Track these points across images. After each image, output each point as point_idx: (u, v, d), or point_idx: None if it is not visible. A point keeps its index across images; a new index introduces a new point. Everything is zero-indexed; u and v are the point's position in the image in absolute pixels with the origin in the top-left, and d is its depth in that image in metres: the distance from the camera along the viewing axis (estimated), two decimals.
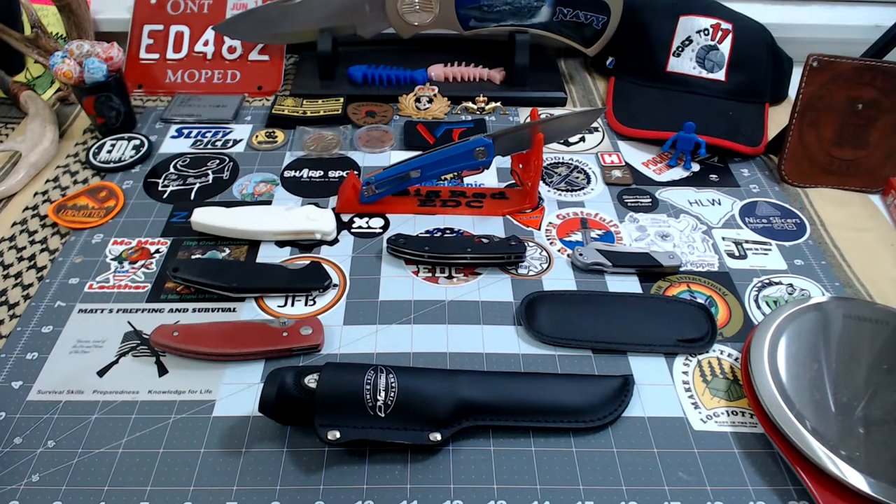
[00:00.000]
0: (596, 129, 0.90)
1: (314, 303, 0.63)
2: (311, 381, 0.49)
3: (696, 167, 0.83)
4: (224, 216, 0.70)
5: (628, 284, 0.66)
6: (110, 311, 0.62)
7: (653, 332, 0.60)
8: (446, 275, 0.66)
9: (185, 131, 0.88)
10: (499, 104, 0.94)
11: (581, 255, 0.67)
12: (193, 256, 0.68)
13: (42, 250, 0.69)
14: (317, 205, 0.73)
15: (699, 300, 0.64)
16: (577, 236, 0.72)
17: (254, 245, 0.69)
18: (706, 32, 0.89)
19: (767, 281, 0.67)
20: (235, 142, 0.86)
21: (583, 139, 0.88)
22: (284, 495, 0.48)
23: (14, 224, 0.73)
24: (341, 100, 0.92)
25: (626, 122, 0.89)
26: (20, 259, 0.68)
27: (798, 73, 0.80)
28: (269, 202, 0.76)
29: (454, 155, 0.70)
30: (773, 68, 0.93)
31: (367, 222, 0.73)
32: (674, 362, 0.58)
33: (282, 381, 0.49)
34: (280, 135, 0.87)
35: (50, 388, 0.55)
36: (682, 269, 0.67)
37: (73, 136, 0.88)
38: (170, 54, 0.98)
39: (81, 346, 0.59)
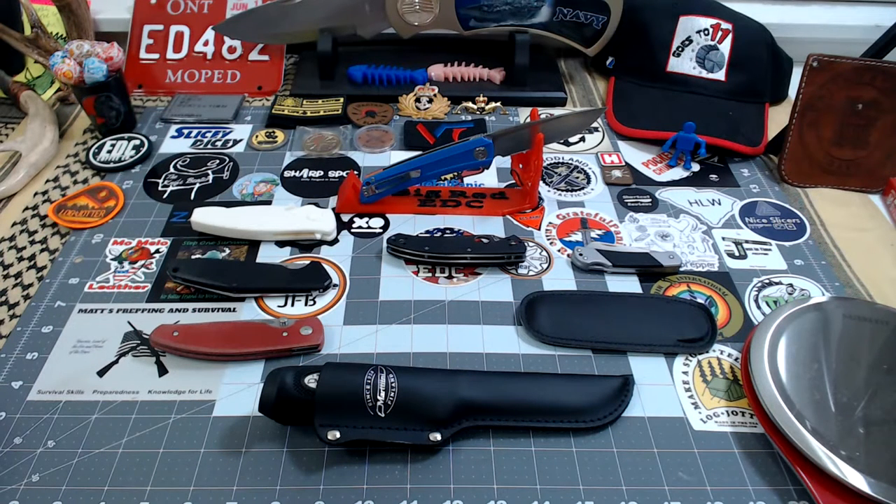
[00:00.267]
0: (596, 129, 0.90)
1: (314, 303, 0.63)
2: (311, 381, 0.49)
3: (696, 167, 0.83)
4: (224, 216, 0.70)
5: (628, 284, 0.66)
6: (110, 311, 0.62)
7: (653, 332, 0.60)
8: (446, 275, 0.66)
9: (185, 131, 0.88)
10: (499, 104, 0.94)
11: (581, 255, 0.67)
12: (193, 256, 0.68)
13: (42, 250, 0.69)
14: (317, 205, 0.73)
15: (699, 300, 0.64)
16: (577, 236, 0.72)
17: (254, 245, 0.69)
18: (706, 32, 0.89)
19: (767, 281, 0.67)
20: (235, 142, 0.86)
21: (583, 139, 0.88)
22: (284, 495, 0.48)
23: (14, 224, 0.73)
24: (341, 100, 0.92)
25: (626, 122, 0.89)
26: (20, 259, 0.68)
27: (798, 73, 0.80)
28: (269, 202, 0.76)
29: (454, 155, 0.70)
30: (773, 68, 0.93)
31: (367, 222, 0.73)
32: (674, 362, 0.58)
33: (282, 381, 0.49)
34: (280, 135, 0.87)
35: (50, 388, 0.55)
36: (682, 269, 0.67)
37: (73, 136, 0.88)
38: (170, 54, 0.98)
39: (81, 346, 0.59)
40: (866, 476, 0.46)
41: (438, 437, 0.49)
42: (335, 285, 0.65)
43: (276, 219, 0.70)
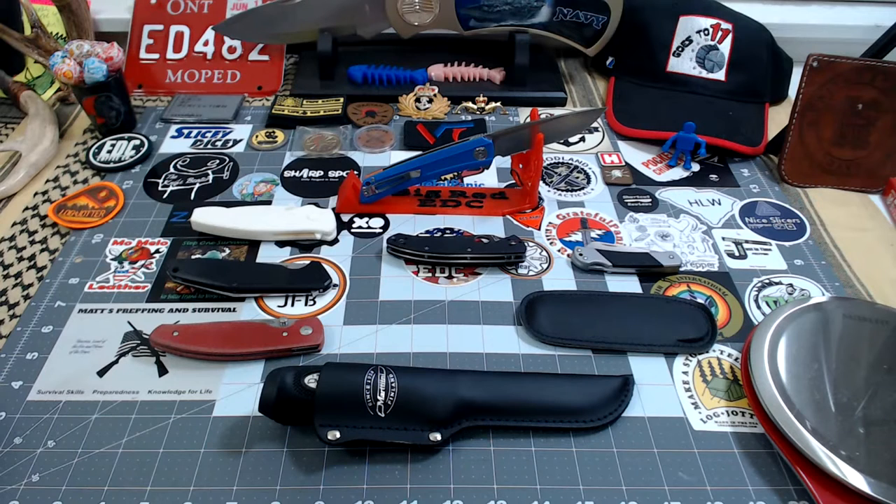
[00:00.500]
0: (596, 129, 0.90)
1: (314, 303, 0.63)
2: (311, 381, 0.49)
3: (696, 167, 0.83)
4: (224, 216, 0.70)
5: (628, 284, 0.66)
6: (110, 311, 0.62)
7: (653, 332, 0.60)
8: (446, 275, 0.66)
9: (185, 131, 0.88)
10: (499, 104, 0.94)
11: (581, 255, 0.67)
12: (193, 256, 0.68)
13: (42, 250, 0.69)
14: (317, 205, 0.73)
15: (699, 300, 0.64)
16: (577, 236, 0.72)
17: (254, 245, 0.69)
18: (706, 32, 0.89)
19: (767, 281, 0.67)
20: (235, 142, 0.86)
21: (583, 139, 0.88)
22: (284, 495, 0.48)
23: (14, 224, 0.73)
24: (341, 100, 0.92)
25: (626, 122, 0.89)
26: (20, 259, 0.68)
27: (798, 73, 0.80)
28: (269, 202, 0.76)
29: (454, 155, 0.70)
30: (773, 68, 0.93)
31: (367, 222, 0.73)
32: (674, 362, 0.58)
33: (282, 381, 0.49)
34: (280, 135, 0.87)
35: (50, 388, 0.55)
36: (682, 269, 0.67)
37: (73, 136, 0.88)
38: (170, 54, 0.98)
39: (81, 346, 0.59)
40: (866, 476, 0.46)
41: (438, 437, 0.49)
42: (335, 285, 0.65)
43: (276, 219, 0.70)
